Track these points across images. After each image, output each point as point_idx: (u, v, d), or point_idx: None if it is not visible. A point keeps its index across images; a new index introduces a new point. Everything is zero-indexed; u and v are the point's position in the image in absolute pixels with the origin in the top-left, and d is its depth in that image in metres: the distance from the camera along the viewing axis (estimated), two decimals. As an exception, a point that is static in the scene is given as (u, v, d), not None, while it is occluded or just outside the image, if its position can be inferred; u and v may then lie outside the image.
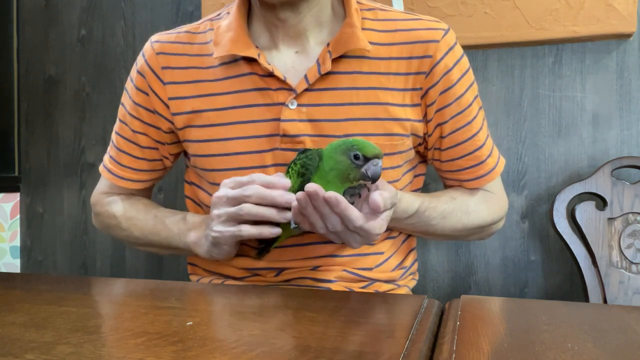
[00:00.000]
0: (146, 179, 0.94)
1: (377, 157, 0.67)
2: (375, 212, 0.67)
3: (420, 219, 0.82)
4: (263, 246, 0.81)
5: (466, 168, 0.87)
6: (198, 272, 0.92)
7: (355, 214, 0.65)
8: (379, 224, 0.68)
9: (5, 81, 1.64)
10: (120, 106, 0.93)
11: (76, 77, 1.61)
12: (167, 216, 0.88)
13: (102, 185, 0.97)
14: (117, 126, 0.93)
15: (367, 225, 0.67)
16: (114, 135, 0.94)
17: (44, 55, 1.64)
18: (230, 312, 0.58)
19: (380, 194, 0.66)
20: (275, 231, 0.72)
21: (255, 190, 0.71)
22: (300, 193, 0.66)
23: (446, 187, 0.93)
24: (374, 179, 0.68)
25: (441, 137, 0.85)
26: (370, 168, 0.67)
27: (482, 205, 0.88)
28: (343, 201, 0.64)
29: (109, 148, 0.95)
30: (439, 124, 0.84)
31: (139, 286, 0.75)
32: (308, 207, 0.66)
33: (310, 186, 0.64)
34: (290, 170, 0.73)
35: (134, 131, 0.90)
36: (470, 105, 0.85)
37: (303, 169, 0.71)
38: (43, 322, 0.50)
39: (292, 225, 0.72)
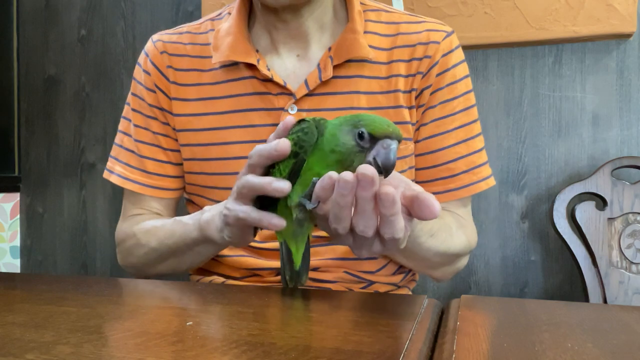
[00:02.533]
0: (174, 187, 0.89)
1: (389, 137, 0.49)
2: (429, 218, 0.50)
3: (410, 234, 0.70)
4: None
5: (437, 179, 0.82)
6: (198, 272, 0.92)
7: (402, 223, 0.50)
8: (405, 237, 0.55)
9: (5, 81, 1.65)
10: (133, 113, 0.88)
11: (76, 77, 1.61)
12: (187, 216, 0.80)
13: (125, 211, 0.90)
14: (134, 133, 0.88)
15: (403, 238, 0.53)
16: (133, 144, 0.87)
17: (44, 55, 1.65)
18: (230, 312, 0.58)
19: (432, 195, 0.50)
20: (278, 222, 0.57)
21: (256, 149, 0.57)
22: (347, 173, 0.47)
23: None
24: (386, 169, 0.49)
25: (416, 141, 0.82)
26: (380, 152, 0.49)
27: (461, 231, 0.82)
28: (398, 205, 0.49)
29: (126, 160, 0.87)
30: (421, 125, 0.82)
31: (139, 286, 0.75)
32: (348, 197, 0.49)
33: (368, 169, 0.47)
34: None
35: (154, 133, 0.87)
36: (455, 113, 0.81)
37: (296, 147, 0.54)
38: (43, 322, 0.50)
39: (310, 205, 0.52)
